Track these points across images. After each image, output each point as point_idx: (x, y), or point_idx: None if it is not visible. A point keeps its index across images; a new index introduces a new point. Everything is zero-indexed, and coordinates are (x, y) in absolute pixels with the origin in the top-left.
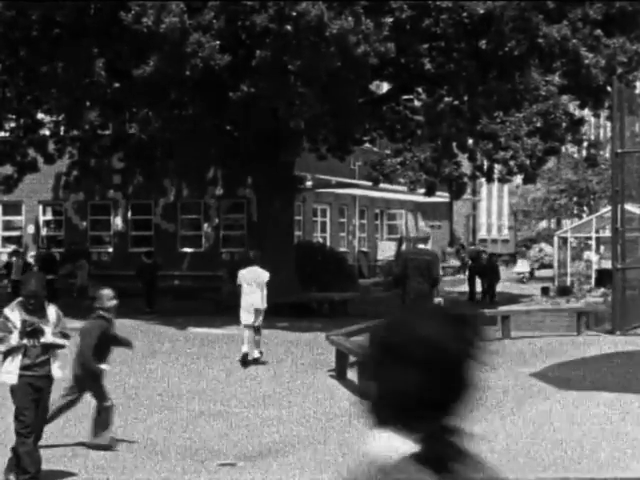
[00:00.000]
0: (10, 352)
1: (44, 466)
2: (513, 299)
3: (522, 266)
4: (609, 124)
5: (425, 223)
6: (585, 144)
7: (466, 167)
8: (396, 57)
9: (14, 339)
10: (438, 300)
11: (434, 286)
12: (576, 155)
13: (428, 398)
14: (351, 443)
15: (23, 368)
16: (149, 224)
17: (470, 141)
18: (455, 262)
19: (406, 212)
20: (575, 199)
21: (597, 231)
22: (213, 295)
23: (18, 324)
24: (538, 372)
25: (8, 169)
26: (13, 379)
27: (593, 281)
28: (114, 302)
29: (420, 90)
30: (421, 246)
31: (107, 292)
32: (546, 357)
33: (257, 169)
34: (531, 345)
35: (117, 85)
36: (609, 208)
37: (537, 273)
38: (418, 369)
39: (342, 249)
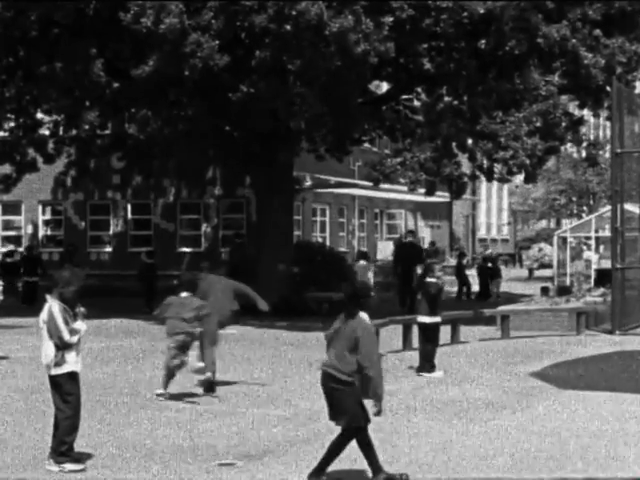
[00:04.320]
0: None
1: (40, 468)
2: (513, 299)
3: None
4: (609, 124)
5: (425, 223)
6: (585, 144)
7: (466, 167)
8: (396, 57)
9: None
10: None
11: (418, 265)
12: (575, 155)
13: None
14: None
15: None
16: (148, 224)
17: (470, 141)
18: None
19: (405, 212)
20: (575, 199)
21: (597, 231)
22: None
23: None
24: (538, 372)
25: (7, 168)
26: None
27: (593, 281)
28: None
29: (420, 90)
30: (409, 239)
31: None
32: (546, 357)
33: (256, 169)
34: (531, 345)
35: (116, 85)
36: (609, 208)
37: (537, 273)
38: None
39: (342, 249)
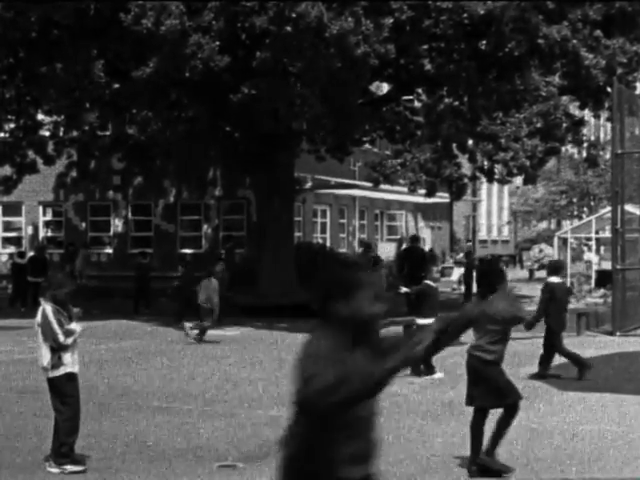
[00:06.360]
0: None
1: (41, 469)
2: None
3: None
4: (609, 125)
5: (425, 224)
6: (585, 145)
7: (466, 168)
8: (396, 58)
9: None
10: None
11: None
12: (576, 156)
13: None
14: None
15: None
16: (149, 225)
17: (470, 142)
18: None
19: (406, 213)
20: (575, 200)
21: (597, 232)
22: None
23: None
24: (538, 373)
25: (7, 170)
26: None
27: (593, 282)
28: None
29: (420, 91)
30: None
31: None
32: None
33: (257, 170)
34: (531, 346)
35: (117, 86)
36: (609, 209)
37: (537, 274)
38: None
39: (342, 250)
